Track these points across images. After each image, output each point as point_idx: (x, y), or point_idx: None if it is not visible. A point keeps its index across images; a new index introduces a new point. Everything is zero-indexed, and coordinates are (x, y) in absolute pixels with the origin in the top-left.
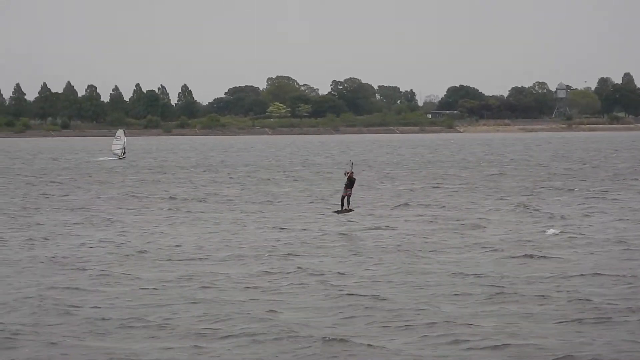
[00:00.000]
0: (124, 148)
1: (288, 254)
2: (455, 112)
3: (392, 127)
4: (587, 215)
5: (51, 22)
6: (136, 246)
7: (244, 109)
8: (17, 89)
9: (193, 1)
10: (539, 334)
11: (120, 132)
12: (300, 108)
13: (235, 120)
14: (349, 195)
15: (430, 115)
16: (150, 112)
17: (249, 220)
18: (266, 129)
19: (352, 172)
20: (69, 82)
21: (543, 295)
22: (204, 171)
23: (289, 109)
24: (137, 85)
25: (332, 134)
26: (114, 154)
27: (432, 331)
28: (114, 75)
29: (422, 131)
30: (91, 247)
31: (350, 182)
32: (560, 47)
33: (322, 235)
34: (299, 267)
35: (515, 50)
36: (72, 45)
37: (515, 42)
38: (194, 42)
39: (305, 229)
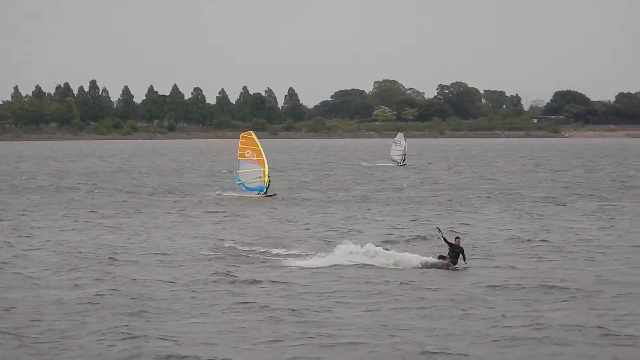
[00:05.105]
0: (405, 154)
1: None
2: (560, 117)
3: (497, 132)
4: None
5: (156, 25)
6: None
7: (350, 112)
8: (126, 92)
9: (301, 5)
10: None
11: (400, 135)
12: (406, 111)
13: (341, 124)
14: (449, 266)
15: (535, 120)
16: (257, 115)
17: None
18: (372, 132)
19: (459, 239)
20: (175, 85)
21: None
22: None
23: (394, 113)
24: (244, 88)
25: (438, 137)
26: (393, 160)
27: None
28: (220, 77)
29: (528, 136)
30: None
31: (456, 253)
32: None
33: None
34: None
35: (622, 55)
36: (178, 48)
37: (623, 47)
38: (301, 45)
39: None
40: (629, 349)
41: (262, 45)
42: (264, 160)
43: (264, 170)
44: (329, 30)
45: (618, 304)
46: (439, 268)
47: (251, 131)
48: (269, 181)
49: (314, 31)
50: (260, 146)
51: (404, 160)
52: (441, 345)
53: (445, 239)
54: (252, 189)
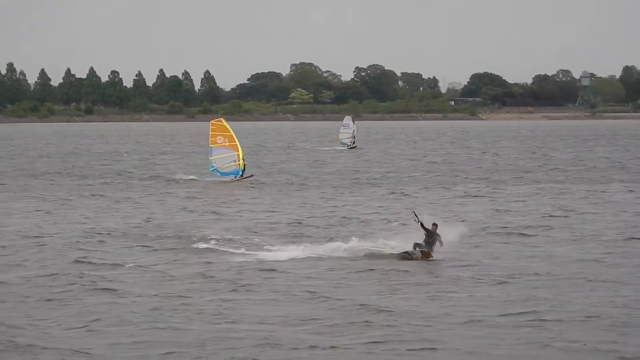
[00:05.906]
0: (354, 137)
1: None
2: (478, 99)
3: (414, 114)
4: None
5: (73, 8)
6: None
7: (266, 95)
8: (43, 75)
9: None
10: None
11: (348, 118)
12: (322, 94)
13: (257, 106)
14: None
15: (453, 103)
16: (173, 97)
17: None
18: (289, 115)
19: (436, 226)
20: (92, 68)
21: None
22: None
23: (311, 95)
24: (161, 70)
25: (355, 120)
26: (343, 143)
27: None
28: (137, 60)
29: (445, 118)
30: None
31: (432, 240)
32: (585, 35)
33: None
34: None
35: (539, 37)
36: (95, 30)
37: (539, 29)
38: (217, 27)
39: None
40: (493, 330)
41: (178, 28)
42: (237, 144)
43: (239, 154)
44: (245, 13)
45: (474, 289)
46: (416, 259)
47: (221, 118)
48: (244, 164)
49: (229, 14)
50: (232, 131)
51: (354, 142)
52: (292, 332)
53: (422, 224)
54: (227, 174)
